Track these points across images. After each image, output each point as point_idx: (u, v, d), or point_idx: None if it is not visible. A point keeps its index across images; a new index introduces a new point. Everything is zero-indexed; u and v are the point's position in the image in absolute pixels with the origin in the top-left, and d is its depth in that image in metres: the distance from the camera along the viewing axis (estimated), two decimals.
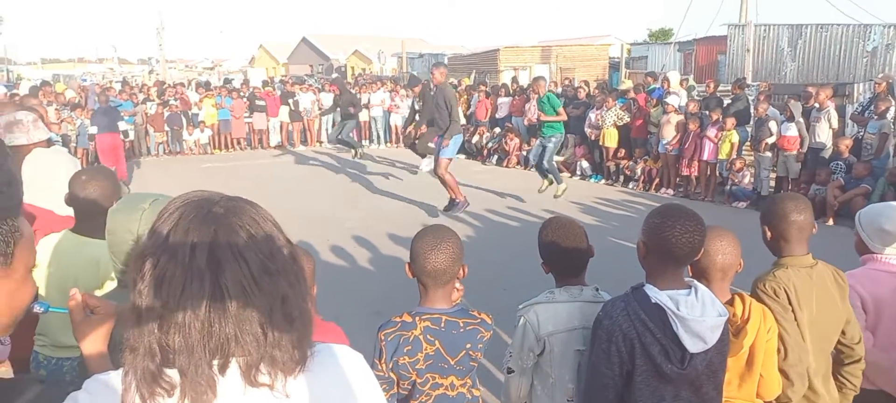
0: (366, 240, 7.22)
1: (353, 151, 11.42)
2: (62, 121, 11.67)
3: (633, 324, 1.67)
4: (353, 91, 16.88)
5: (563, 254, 2.02)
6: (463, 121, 15.15)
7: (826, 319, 2.10)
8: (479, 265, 6.17)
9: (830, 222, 7.89)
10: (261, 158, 14.43)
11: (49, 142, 3.77)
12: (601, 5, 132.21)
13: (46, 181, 2.54)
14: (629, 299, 1.72)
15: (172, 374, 0.85)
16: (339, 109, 11.74)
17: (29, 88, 11.30)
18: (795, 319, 2.03)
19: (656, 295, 1.67)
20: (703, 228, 1.72)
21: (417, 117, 9.35)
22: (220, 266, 0.83)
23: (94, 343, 1.16)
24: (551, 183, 8.75)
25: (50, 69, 53.05)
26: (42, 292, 2.15)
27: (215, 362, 0.85)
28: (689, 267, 1.87)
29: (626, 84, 13.61)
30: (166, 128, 14.69)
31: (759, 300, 2.04)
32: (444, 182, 7.87)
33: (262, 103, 15.84)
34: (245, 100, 15.86)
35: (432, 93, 7.93)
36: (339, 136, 11.37)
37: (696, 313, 1.64)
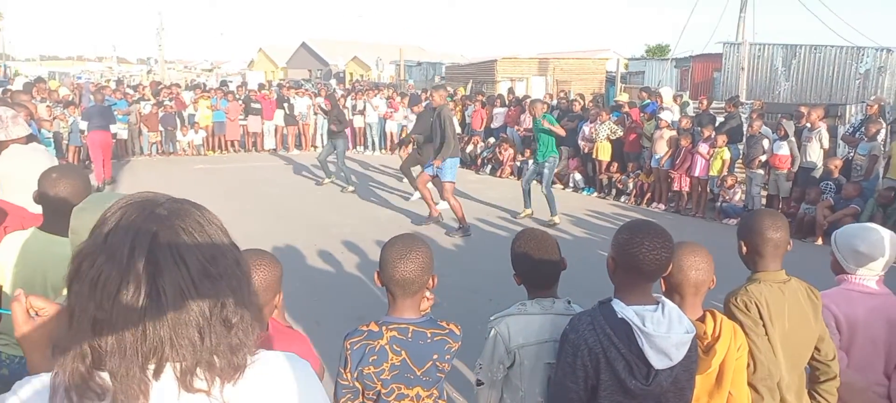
0: (354, 246, 7.19)
1: (350, 189, 10.65)
2: (54, 118, 11.62)
3: (598, 339, 1.66)
4: (352, 100, 16.95)
5: (535, 266, 2.01)
6: (458, 130, 15.24)
7: (799, 335, 2.10)
8: (467, 273, 6.16)
9: (819, 241, 7.90)
10: (254, 161, 14.40)
11: (29, 139, 3.75)
12: (600, 20, 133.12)
13: (24, 178, 2.52)
14: (596, 313, 1.71)
15: (104, 377, 0.83)
16: (327, 124, 11.45)
17: (22, 84, 11.24)
18: (766, 333, 2.03)
19: (622, 310, 1.66)
20: (672, 245, 1.71)
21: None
22: (159, 268, 0.82)
23: (36, 345, 1.14)
24: (530, 213, 8.80)
25: (48, 66, 53.03)
26: (7, 290, 2.12)
27: (150, 366, 0.83)
28: (661, 281, 1.86)
29: (623, 97, 13.66)
30: (160, 128, 14.66)
31: (731, 313, 2.05)
32: (451, 207, 7.75)
33: (257, 106, 15.83)
34: (240, 102, 15.85)
35: (435, 114, 7.75)
36: (328, 160, 10.84)
37: (662, 329, 1.63)
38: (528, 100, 11.22)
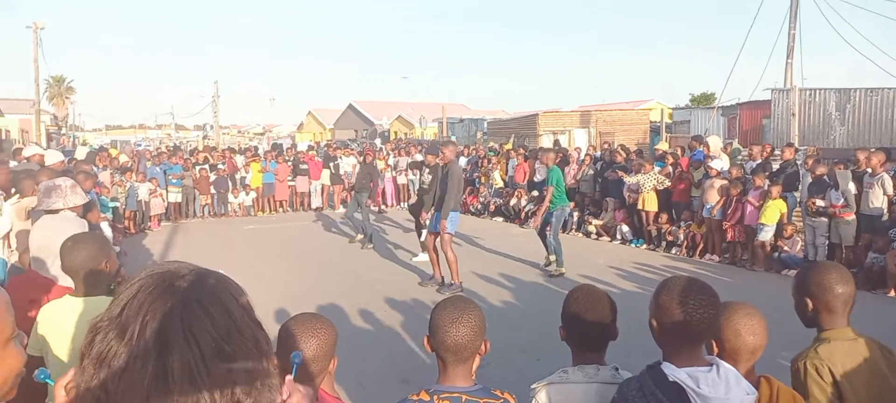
0: (398, 303, 7.13)
1: (359, 237, 10.94)
2: (114, 184, 12.20)
3: None
4: (394, 157, 17.31)
5: (583, 327, 1.90)
6: (501, 184, 15.22)
7: (881, 397, 1.90)
8: (513, 330, 6.00)
9: (892, 293, 7.39)
10: (302, 220, 14.69)
11: (87, 206, 3.92)
12: (643, 71, 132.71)
13: (55, 247, 2.68)
14: (645, 378, 1.59)
15: None
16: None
17: (86, 154, 11.90)
18: (841, 400, 1.83)
19: (674, 372, 1.54)
20: (718, 301, 1.59)
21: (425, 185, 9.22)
22: (169, 345, 0.77)
23: None
24: (553, 260, 8.69)
25: (112, 135, 56.29)
26: (64, 359, 2.15)
27: None
28: (714, 345, 1.73)
29: (663, 146, 13.42)
30: (212, 190, 15.18)
31: (801, 381, 1.87)
32: (446, 259, 7.60)
33: (304, 167, 16.29)
34: (289, 163, 16.36)
35: (444, 170, 7.74)
36: (354, 215, 11.05)
37: (720, 391, 1.50)
38: (540, 150, 11.13)
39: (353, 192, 11.22)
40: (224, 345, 0.79)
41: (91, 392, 0.77)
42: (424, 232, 8.50)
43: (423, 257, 9.03)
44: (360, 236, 10.94)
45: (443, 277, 7.89)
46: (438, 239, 7.66)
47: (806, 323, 2.01)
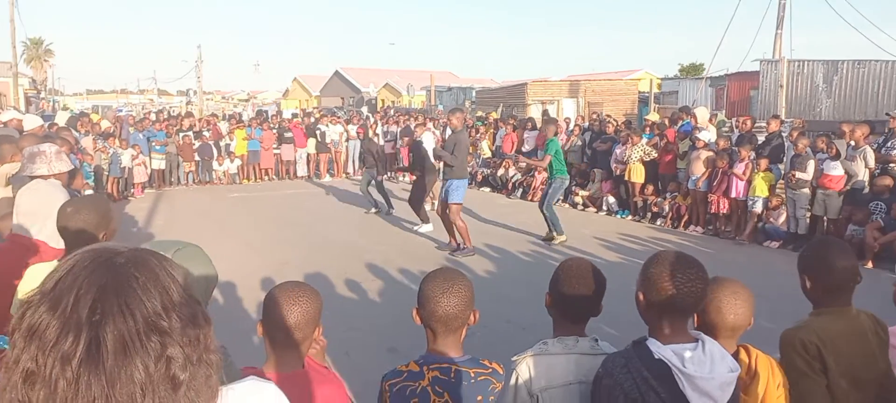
0: (384, 273, 7.15)
1: (373, 210, 11.06)
2: (97, 150, 12.00)
3: (635, 382, 1.54)
4: (383, 125, 17.18)
5: (570, 299, 1.89)
6: (488, 154, 15.20)
7: (865, 373, 1.94)
8: (499, 301, 6.04)
9: (870, 265, 7.53)
10: (287, 188, 14.60)
11: (71, 173, 3.85)
12: (632, 41, 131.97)
13: (49, 212, 2.64)
14: (630, 355, 1.59)
15: None
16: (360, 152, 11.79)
17: (67, 119, 11.66)
18: (827, 376, 1.86)
19: (659, 350, 1.54)
20: (706, 276, 1.61)
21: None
22: (103, 318, 0.76)
23: None
24: (554, 235, 8.67)
25: (94, 100, 55.21)
26: None
27: None
28: (695, 318, 1.74)
29: (654, 116, 13.42)
30: (196, 158, 15.00)
31: (787, 355, 1.89)
32: (455, 227, 7.90)
33: (290, 135, 16.12)
34: (274, 131, 16.19)
35: (451, 138, 7.98)
36: (367, 189, 11.24)
37: (705, 370, 1.51)
38: (544, 120, 11.29)
39: (364, 168, 11.40)
40: (160, 320, 0.79)
41: (20, 366, 0.75)
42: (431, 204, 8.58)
43: (427, 228, 9.15)
44: (373, 210, 11.07)
45: (458, 244, 8.08)
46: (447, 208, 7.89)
47: (811, 299, 2.03)
